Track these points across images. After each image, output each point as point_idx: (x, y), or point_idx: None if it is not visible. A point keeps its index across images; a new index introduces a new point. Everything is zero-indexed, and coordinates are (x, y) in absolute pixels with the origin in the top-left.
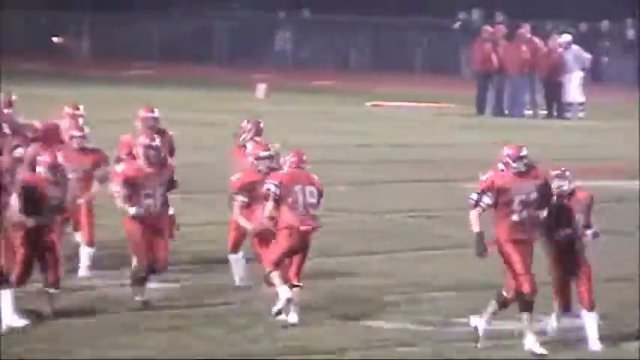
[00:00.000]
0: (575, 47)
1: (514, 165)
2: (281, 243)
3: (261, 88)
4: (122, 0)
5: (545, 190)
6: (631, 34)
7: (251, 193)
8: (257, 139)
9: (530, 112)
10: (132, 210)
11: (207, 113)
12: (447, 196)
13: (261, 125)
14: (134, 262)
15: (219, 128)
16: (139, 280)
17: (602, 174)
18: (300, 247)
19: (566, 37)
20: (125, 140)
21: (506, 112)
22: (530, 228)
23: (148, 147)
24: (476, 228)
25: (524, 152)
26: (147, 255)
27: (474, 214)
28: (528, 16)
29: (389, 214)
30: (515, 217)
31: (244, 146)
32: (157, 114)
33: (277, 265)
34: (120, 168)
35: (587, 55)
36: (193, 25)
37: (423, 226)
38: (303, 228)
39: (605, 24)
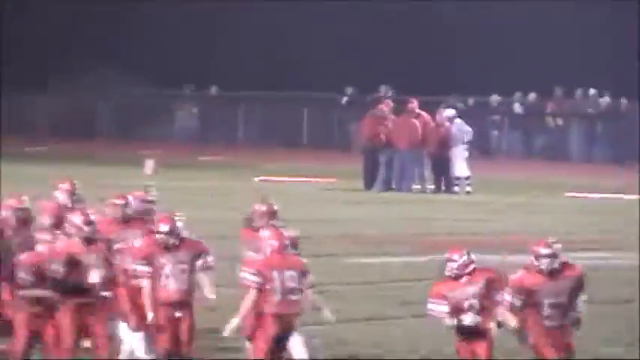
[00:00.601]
0: (458, 121)
1: (536, 263)
2: (265, 331)
3: (149, 164)
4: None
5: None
6: (519, 108)
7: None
8: (273, 222)
9: (419, 186)
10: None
11: (95, 189)
12: (332, 271)
13: (275, 207)
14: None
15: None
16: None
17: (491, 248)
18: (285, 332)
19: (450, 112)
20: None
21: (395, 186)
22: (564, 334)
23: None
24: (513, 323)
25: (548, 250)
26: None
27: (505, 313)
28: (417, 91)
29: None
30: (547, 323)
31: (254, 229)
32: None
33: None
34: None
35: (468, 129)
36: (80, 102)
37: None
38: (283, 313)
39: (494, 98)
